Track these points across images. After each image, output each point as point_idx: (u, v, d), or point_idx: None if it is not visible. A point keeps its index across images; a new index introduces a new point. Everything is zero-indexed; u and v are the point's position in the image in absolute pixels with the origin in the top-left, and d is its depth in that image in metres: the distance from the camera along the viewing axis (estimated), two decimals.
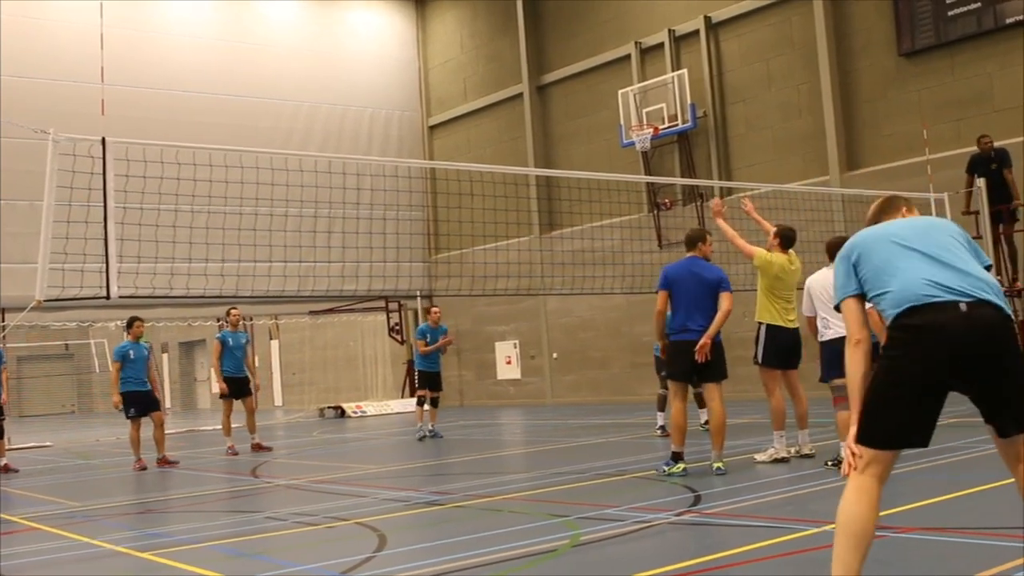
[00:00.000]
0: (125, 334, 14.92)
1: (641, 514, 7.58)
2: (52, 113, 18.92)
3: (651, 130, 23.15)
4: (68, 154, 8.99)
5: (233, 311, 16.04)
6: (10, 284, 20.69)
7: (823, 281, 9.42)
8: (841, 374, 9.78)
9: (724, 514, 7.37)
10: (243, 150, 11.03)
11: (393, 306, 28.57)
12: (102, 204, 8.94)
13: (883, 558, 5.46)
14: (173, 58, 25.89)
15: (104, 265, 8.90)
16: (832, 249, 9.54)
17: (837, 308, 4.43)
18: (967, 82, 18.91)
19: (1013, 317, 4.00)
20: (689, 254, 10.00)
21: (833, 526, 6.44)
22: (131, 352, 14.40)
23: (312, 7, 29.08)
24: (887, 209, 4.63)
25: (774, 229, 10.65)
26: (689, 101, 22.76)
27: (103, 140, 9.01)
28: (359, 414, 26.81)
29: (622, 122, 23.86)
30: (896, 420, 3.96)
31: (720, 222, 10.66)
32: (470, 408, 27.33)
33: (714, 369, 9.74)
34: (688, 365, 9.65)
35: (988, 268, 4.22)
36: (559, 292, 21.04)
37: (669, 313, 9.88)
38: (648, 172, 23.51)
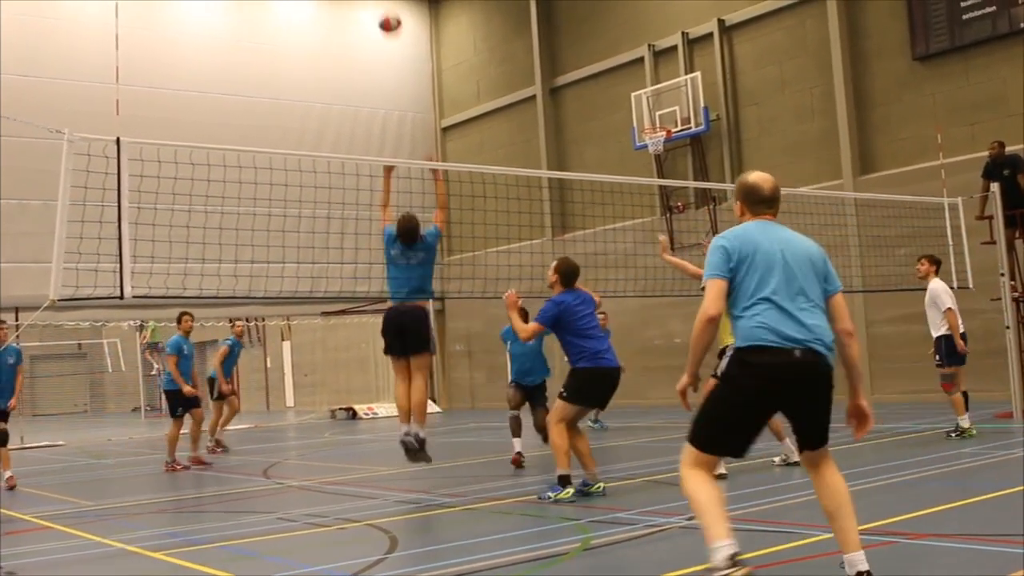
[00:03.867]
0: (177, 327, 14.93)
1: (652, 518, 7.58)
2: (67, 113, 18.98)
3: (664, 133, 23.12)
4: (83, 154, 9.01)
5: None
6: (24, 283, 20.75)
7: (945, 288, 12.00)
8: (948, 363, 11.68)
9: (735, 519, 7.34)
10: (256, 151, 11.02)
11: None
12: (116, 204, 8.96)
13: (892, 564, 5.46)
14: (188, 59, 25.96)
15: (118, 265, 8.92)
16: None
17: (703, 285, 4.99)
18: (981, 86, 18.83)
19: (832, 366, 4.80)
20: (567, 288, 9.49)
21: None
22: (184, 347, 14.53)
23: (326, 8, 29.11)
24: (772, 203, 5.12)
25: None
26: (702, 104, 22.72)
27: (118, 140, 9.03)
28: (370, 416, 26.84)
29: (635, 125, 23.83)
30: (720, 435, 4.81)
31: (667, 258, 10.33)
32: (481, 411, 27.35)
33: None
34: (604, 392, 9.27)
35: (837, 292, 5.01)
36: None
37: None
38: (661, 175, 23.48)
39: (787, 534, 6.61)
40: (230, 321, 18.27)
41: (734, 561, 4.57)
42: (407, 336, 9.60)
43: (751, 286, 4.85)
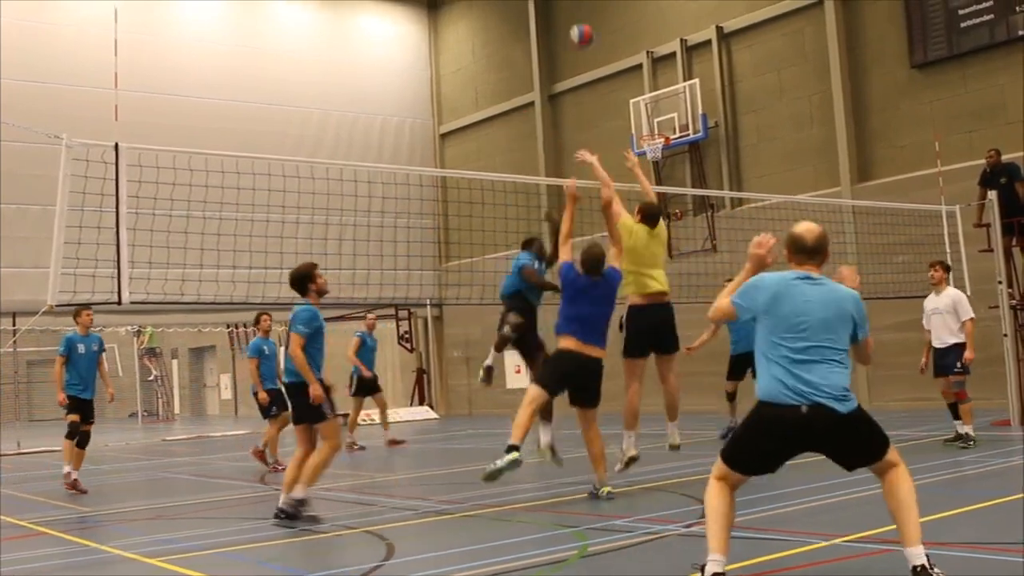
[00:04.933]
0: (256, 329, 14.78)
1: (650, 525, 7.57)
2: (66, 118, 18.97)
3: (662, 140, 23.14)
4: (81, 159, 9.02)
5: None
6: (22, 288, 20.75)
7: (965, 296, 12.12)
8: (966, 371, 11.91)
9: (733, 526, 7.34)
10: (255, 156, 11.05)
11: (403, 314, 28.57)
12: (114, 209, 8.96)
13: (888, 572, 5.45)
14: (187, 64, 25.97)
15: (116, 270, 8.92)
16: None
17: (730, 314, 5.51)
18: (979, 94, 18.85)
19: (849, 411, 5.15)
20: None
21: (844, 539, 6.45)
22: (265, 348, 14.40)
23: (325, 14, 29.14)
24: (814, 254, 5.44)
25: (638, 206, 10.08)
26: (700, 111, 22.75)
27: (116, 146, 9.03)
28: (368, 422, 26.76)
29: (633, 132, 23.83)
30: (746, 461, 5.37)
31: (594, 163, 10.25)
32: (479, 417, 27.33)
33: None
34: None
35: (864, 338, 5.40)
36: None
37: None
38: (659, 182, 23.47)
39: (785, 542, 6.60)
40: (364, 315, 18.79)
41: None
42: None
43: (771, 337, 5.29)
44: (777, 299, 5.30)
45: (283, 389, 9.48)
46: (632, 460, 9.76)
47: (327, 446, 8.93)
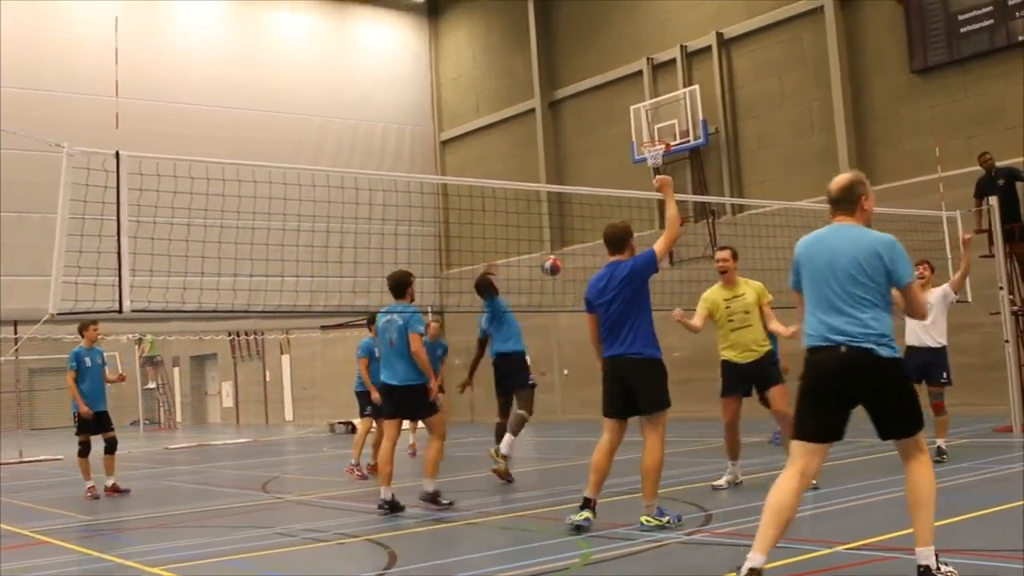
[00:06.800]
0: (369, 330, 14.51)
1: (652, 533, 7.56)
2: (67, 126, 19.00)
3: (663, 146, 23.14)
4: (82, 168, 9.01)
5: None
6: (23, 297, 20.74)
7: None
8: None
9: (734, 534, 7.34)
10: (256, 164, 11.01)
11: None
12: (115, 218, 8.95)
13: None
14: (188, 72, 25.99)
15: (117, 279, 8.91)
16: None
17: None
18: (979, 99, 18.86)
19: (885, 355, 5.23)
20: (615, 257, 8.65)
21: (845, 546, 6.44)
22: (375, 350, 14.16)
23: (325, 22, 29.17)
24: (839, 203, 5.55)
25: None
26: (701, 117, 22.75)
27: (117, 154, 9.03)
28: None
29: (634, 138, 23.85)
30: (809, 425, 5.33)
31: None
32: (481, 424, 27.30)
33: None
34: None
35: (899, 287, 5.39)
36: (570, 309, 20.99)
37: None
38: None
39: (786, 549, 6.59)
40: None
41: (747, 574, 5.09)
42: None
43: (807, 292, 5.50)
44: (810, 254, 5.49)
45: (392, 390, 9.73)
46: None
47: (437, 437, 9.92)
